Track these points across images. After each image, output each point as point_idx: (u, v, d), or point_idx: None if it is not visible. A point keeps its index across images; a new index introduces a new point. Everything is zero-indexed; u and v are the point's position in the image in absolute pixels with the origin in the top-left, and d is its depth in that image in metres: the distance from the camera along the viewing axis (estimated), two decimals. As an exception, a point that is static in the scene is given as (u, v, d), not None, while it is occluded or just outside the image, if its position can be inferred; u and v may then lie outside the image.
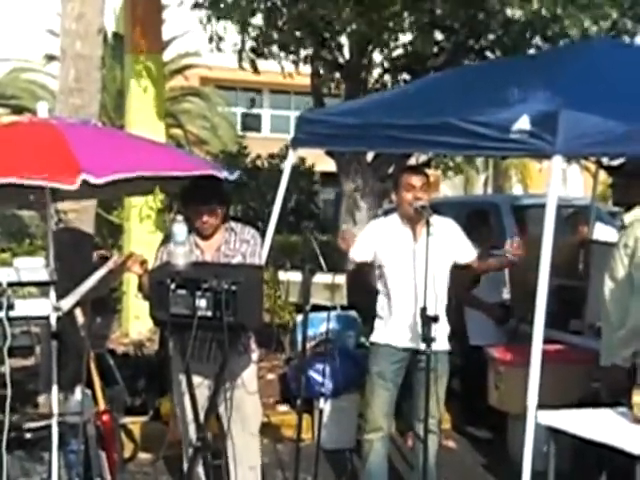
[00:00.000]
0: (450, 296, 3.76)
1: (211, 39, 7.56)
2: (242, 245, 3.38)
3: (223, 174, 3.41)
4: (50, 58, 14.60)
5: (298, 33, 7.17)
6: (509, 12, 5.87)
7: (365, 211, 7.28)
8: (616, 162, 4.41)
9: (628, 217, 3.69)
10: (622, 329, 3.47)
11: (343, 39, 7.46)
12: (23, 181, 2.96)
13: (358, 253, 3.71)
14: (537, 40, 6.55)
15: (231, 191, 3.79)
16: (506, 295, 5.51)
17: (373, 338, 3.74)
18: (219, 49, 7.63)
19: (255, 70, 7.94)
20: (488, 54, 7.08)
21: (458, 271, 3.84)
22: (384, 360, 3.65)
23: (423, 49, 6.88)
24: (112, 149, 3.41)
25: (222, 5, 6.90)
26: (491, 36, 6.72)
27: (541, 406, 3.13)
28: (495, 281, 5.34)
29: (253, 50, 7.77)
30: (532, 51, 6.56)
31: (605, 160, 5.48)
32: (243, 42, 7.54)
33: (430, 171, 9.00)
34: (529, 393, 3.12)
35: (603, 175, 5.41)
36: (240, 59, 7.84)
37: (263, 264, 3.53)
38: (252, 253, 3.37)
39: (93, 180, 2.98)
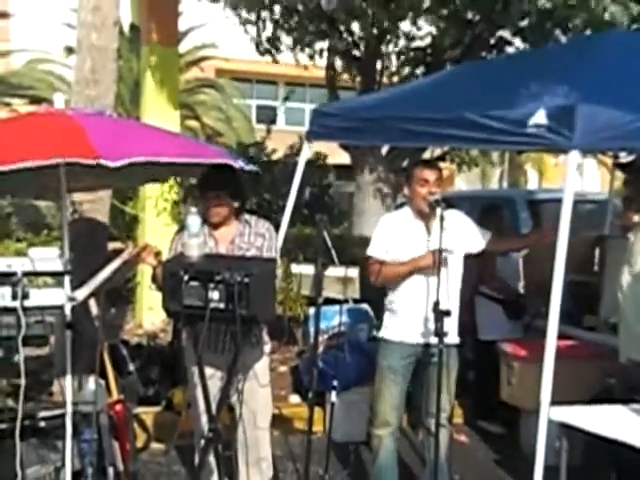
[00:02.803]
0: (463, 290, 3.74)
1: None
2: (257, 239, 3.37)
3: (238, 164, 3.41)
4: (70, 50, 14.62)
5: (314, 25, 7.17)
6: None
7: (379, 204, 7.28)
8: (629, 158, 4.36)
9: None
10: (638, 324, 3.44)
11: (360, 30, 7.44)
12: (42, 163, 2.98)
13: (377, 250, 3.68)
14: (557, 33, 6.48)
15: (246, 183, 3.77)
16: (521, 290, 5.48)
17: (383, 334, 3.72)
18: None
19: (274, 59, 7.94)
20: (506, 47, 7.04)
21: (472, 264, 3.82)
22: (395, 355, 3.64)
23: (441, 42, 6.84)
24: (127, 137, 3.43)
25: None
26: (510, 28, 6.65)
27: (554, 402, 3.11)
28: (509, 276, 5.31)
29: (269, 40, 7.77)
30: (551, 44, 6.50)
31: (623, 155, 5.43)
32: (259, 28, 7.54)
33: (445, 165, 8.97)
34: (542, 389, 3.10)
35: (620, 170, 5.36)
36: (257, 48, 7.86)
37: (277, 257, 3.53)
38: (269, 248, 3.36)
39: (110, 164, 3.00)
